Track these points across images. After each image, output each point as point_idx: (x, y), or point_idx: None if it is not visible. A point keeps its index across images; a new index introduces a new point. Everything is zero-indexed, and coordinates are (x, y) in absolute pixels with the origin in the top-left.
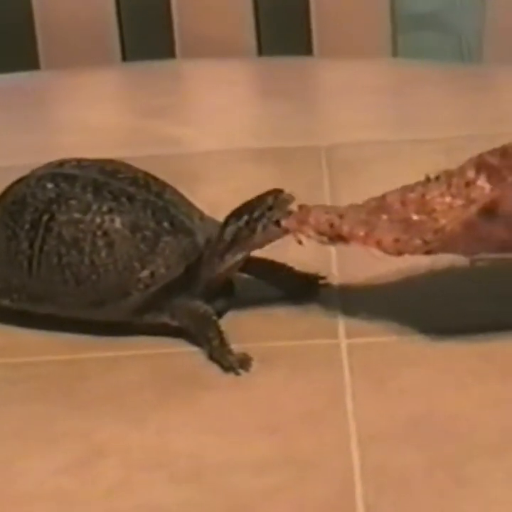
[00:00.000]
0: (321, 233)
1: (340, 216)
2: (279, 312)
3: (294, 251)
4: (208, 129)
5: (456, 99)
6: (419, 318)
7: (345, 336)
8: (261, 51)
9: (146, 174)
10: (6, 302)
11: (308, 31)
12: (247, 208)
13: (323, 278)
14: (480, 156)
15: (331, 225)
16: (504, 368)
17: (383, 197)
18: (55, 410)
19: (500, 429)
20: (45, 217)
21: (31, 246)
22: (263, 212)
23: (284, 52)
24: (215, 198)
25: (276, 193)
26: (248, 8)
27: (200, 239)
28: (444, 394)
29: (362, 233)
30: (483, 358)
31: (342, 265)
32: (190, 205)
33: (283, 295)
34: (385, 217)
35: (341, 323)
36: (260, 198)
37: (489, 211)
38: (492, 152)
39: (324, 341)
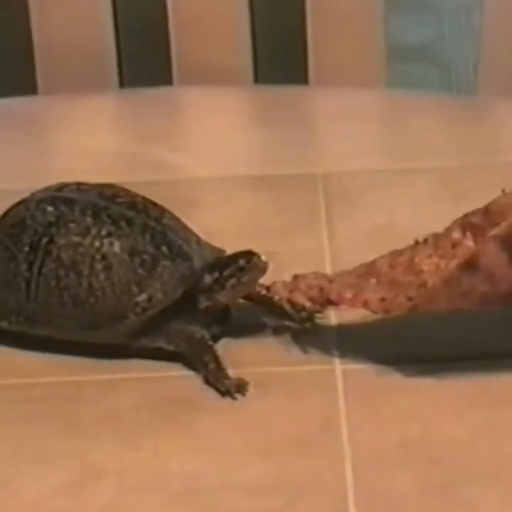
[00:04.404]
0: (311, 299)
1: (330, 281)
2: (275, 338)
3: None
4: (205, 156)
5: (449, 129)
6: (414, 346)
7: (339, 362)
8: (257, 79)
9: (145, 199)
10: (4, 324)
11: (305, 60)
12: (219, 265)
13: (319, 311)
14: (464, 216)
15: (321, 290)
16: (497, 395)
17: (373, 262)
18: (51, 431)
19: (493, 455)
20: (45, 240)
21: (30, 268)
22: (234, 272)
23: (281, 81)
24: (211, 224)
25: (250, 255)
26: (245, 37)
27: (197, 263)
28: (438, 420)
29: (349, 295)
30: (477, 385)
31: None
32: (187, 229)
33: (279, 321)
34: (373, 280)
35: (336, 349)
36: (233, 257)
37: (470, 265)
38: (475, 212)
39: (319, 367)
